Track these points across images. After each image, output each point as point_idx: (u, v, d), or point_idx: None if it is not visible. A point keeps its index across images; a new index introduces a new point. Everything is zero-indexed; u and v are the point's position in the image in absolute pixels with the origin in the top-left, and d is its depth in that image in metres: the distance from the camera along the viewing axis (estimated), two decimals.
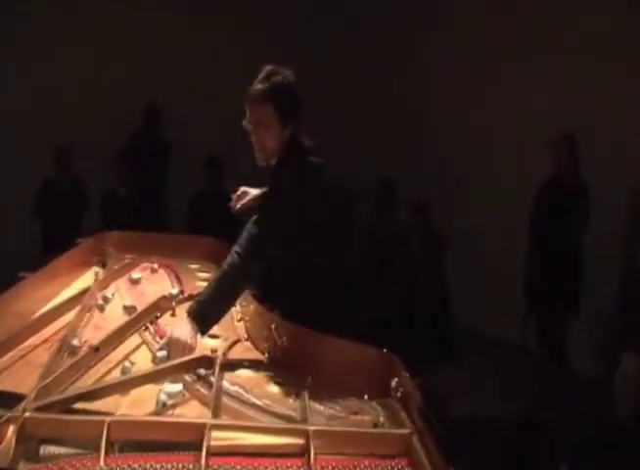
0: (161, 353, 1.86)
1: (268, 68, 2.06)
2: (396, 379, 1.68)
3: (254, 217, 2.08)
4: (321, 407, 1.70)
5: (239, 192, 2.36)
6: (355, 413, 1.69)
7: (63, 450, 1.42)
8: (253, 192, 2.34)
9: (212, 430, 1.42)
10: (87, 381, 1.72)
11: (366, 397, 1.75)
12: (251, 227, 2.05)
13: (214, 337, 2.11)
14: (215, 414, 1.53)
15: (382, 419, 1.65)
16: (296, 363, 1.93)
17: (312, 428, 1.47)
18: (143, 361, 1.89)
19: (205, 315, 1.97)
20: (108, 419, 1.40)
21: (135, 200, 4.74)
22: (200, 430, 1.41)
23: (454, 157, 5.04)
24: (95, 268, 2.63)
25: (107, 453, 1.35)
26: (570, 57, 4.39)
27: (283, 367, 1.94)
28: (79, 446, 1.42)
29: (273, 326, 2.04)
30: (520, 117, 4.73)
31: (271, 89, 2.02)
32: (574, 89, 4.34)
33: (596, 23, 4.25)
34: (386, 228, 4.80)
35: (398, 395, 1.66)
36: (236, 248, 2.03)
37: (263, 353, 2.05)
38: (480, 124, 4.98)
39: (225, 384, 1.75)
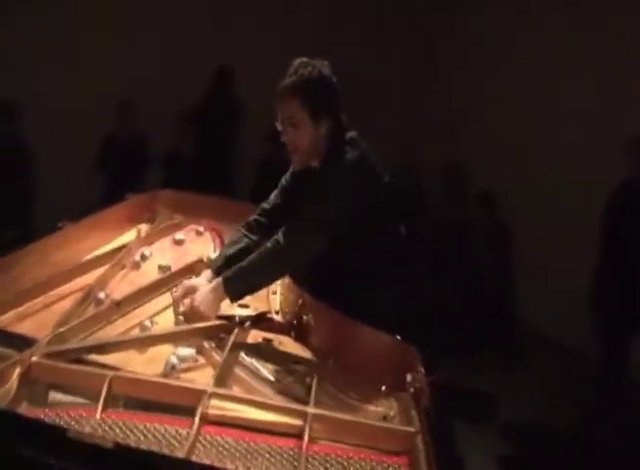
0: (181, 317, 1.91)
1: (297, 61, 1.95)
2: (412, 373, 1.65)
3: (304, 208, 1.95)
4: (334, 392, 1.69)
5: (183, 289, 1.97)
6: (369, 403, 1.68)
7: (70, 399, 1.49)
8: (202, 285, 1.98)
9: (212, 398, 1.45)
10: (106, 335, 1.78)
11: (384, 388, 1.73)
12: (300, 221, 1.94)
13: (244, 306, 2.12)
14: (219, 383, 1.56)
15: (392, 413, 1.63)
16: (319, 343, 1.93)
17: (312, 411, 1.47)
18: (166, 323, 1.93)
19: (237, 285, 1.93)
20: (110, 374, 1.46)
21: (201, 162, 4.82)
22: (199, 396, 1.44)
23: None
24: (139, 225, 2.69)
25: (105, 407, 1.41)
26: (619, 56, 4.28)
27: (306, 346, 1.93)
28: (86, 396, 1.48)
29: (300, 301, 2.05)
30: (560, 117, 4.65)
31: (298, 83, 1.89)
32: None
33: None
34: (452, 218, 4.73)
35: (411, 390, 1.63)
36: (285, 231, 1.94)
37: (290, 329, 2.05)
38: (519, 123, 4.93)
39: (242, 355, 1.77)
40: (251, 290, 2.01)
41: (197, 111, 5.08)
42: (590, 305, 3.93)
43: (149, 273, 2.27)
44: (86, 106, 4.98)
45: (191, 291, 1.96)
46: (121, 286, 2.13)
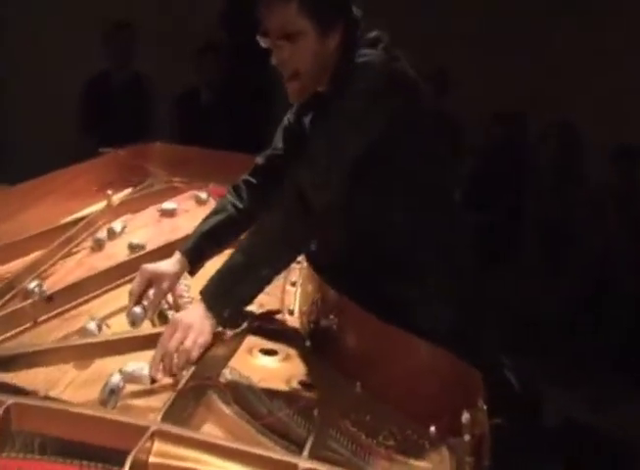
0: (138, 310, 1.77)
1: None
2: (468, 412, 1.45)
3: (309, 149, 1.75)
4: (353, 433, 1.54)
5: (144, 278, 1.83)
6: (405, 453, 1.52)
7: None
8: (171, 273, 1.85)
9: (155, 439, 1.28)
10: (28, 342, 1.69)
11: (433, 429, 1.56)
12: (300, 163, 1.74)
13: None
14: (173, 415, 1.40)
15: None
16: (342, 357, 1.80)
17: (305, 464, 1.27)
18: (124, 326, 1.81)
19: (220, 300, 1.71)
20: (9, 400, 1.32)
21: (224, 108, 4.74)
22: (137, 435, 1.27)
23: None
24: (114, 192, 2.59)
25: None
26: None
27: (324, 361, 1.82)
28: None
29: (318, 297, 1.92)
30: None
31: None
32: None
33: None
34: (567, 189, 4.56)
35: (466, 437, 1.43)
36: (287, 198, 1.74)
37: (305, 334, 1.95)
38: None
39: (224, 373, 1.64)
40: (244, 301, 1.79)
41: (220, 39, 5.02)
42: None
43: (116, 256, 2.21)
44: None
45: (155, 279, 1.82)
46: (70, 273, 2.06)
